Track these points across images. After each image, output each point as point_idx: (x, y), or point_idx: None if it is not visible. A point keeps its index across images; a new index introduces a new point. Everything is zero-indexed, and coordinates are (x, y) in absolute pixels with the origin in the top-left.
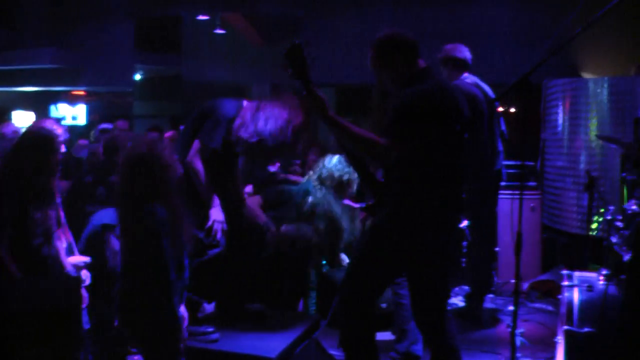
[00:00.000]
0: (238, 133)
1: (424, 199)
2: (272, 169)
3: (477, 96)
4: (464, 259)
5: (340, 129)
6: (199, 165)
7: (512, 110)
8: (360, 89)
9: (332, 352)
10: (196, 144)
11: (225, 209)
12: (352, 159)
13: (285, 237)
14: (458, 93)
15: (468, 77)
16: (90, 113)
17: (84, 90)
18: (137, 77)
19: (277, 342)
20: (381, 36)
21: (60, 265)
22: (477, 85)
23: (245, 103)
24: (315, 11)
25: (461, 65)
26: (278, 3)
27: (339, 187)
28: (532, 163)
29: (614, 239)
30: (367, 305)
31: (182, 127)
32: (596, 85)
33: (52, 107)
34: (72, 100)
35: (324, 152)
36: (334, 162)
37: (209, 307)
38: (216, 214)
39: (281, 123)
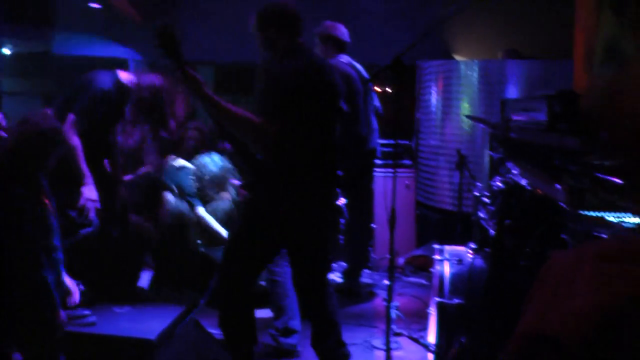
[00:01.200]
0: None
1: (298, 175)
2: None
3: (352, 76)
4: (341, 236)
5: (218, 109)
6: (75, 141)
7: (389, 90)
8: (240, 68)
9: (212, 330)
10: (71, 118)
11: (99, 186)
12: (228, 135)
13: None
14: (333, 70)
15: (342, 57)
16: None
17: None
18: (6, 52)
19: (156, 323)
20: (267, 4)
21: None
22: (351, 65)
23: (120, 74)
24: None
25: (339, 45)
26: None
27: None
28: (407, 142)
29: (481, 214)
30: (247, 283)
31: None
32: (467, 67)
33: None
34: None
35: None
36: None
37: None
38: (89, 192)
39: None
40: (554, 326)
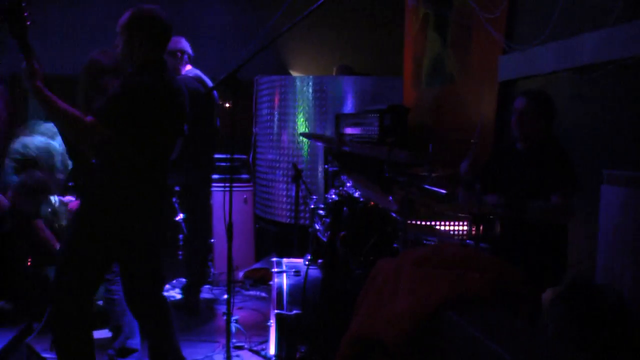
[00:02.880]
0: None
1: (128, 186)
2: None
3: (199, 90)
4: (180, 252)
5: (47, 102)
6: None
7: (227, 105)
8: (60, 80)
9: (46, 355)
10: None
11: None
12: (66, 139)
13: None
14: (183, 91)
15: (190, 71)
16: None
17: None
18: None
19: None
20: (141, 7)
21: None
22: (199, 79)
23: None
24: None
25: (185, 59)
26: None
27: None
28: (244, 156)
29: (317, 226)
30: (82, 301)
31: None
32: (302, 83)
33: None
34: None
35: None
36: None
37: None
38: None
39: None
40: (379, 330)
